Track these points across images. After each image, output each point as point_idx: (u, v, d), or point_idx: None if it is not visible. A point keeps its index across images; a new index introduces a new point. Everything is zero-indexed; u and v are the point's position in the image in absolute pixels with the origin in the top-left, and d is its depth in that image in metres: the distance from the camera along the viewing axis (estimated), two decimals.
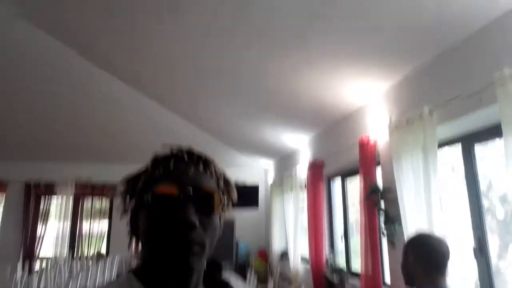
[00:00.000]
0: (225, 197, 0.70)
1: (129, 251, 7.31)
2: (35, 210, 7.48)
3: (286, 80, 3.81)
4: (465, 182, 2.66)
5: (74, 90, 5.33)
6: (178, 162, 0.65)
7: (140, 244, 0.63)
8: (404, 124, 2.89)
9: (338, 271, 3.13)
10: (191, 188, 0.61)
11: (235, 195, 0.73)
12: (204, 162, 0.67)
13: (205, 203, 0.62)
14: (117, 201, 0.66)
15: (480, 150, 2.64)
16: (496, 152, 2.60)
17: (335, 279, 3.03)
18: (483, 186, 2.59)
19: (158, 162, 0.66)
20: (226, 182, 0.72)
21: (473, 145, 2.64)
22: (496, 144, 2.52)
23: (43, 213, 7.51)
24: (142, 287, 0.60)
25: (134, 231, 0.65)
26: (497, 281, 2.45)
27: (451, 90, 2.54)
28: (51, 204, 7.60)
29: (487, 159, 2.65)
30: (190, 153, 0.68)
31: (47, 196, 7.57)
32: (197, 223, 0.59)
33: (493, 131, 2.41)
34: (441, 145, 2.68)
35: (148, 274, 0.60)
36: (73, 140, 6.80)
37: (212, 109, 5.53)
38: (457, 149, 2.78)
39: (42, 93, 5.34)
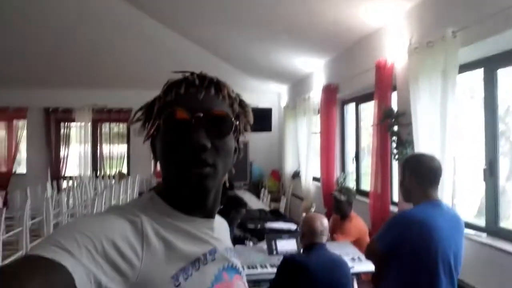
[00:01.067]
0: (241, 119, 0.71)
1: (150, 172, 7.73)
2: (56, 135, 7.81)
3: (299, 1, 3.58)
4: (483, 106, 2.62)
5: (91, 18, 5.22)
6: (189, 87, 0.65)
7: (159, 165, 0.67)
8: (425, 47, 2.76)
9: (346, 189, 3.27)
10: (201, 112, 0.62)
11: (251, 117, 0.75)
12: (216, 86, 0.67)
13: (216, 126, 0.63)
14: (134, 126, 0.68)
15: (502, 73, 2.54)
16: None
17: (342, 197, 3.18)
18: (501, 111, 2.55)
19: (170, 88, 0.67)
20: (242, 105, 0.72)
21: (496, 69, 2.55)
22: None
23: (64, 137, 7.85)
24: (164, 203, 0.64)
25: (154, 153, 0.69)
26: (502, 201, 2.56)
27: (478, 9, 2.37)
28: (71, 129, 7.89)
29: (507, 84, 2.56)
30: (202, 77, 0.67)
31: (66, 122, 7.83)
32: (208, 145, 0.61)
33: None
34: (461, 70, 2.57)
35: (168, 193, 0.65)
36: (89, 67, 6.78)
37: (223, 34, 5.35)
38: (478, 74, 2.67)
39: (59, 22, 5.26)
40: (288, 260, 2.10)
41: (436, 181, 1.75)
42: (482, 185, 2.62)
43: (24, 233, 3.80)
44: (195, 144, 0.60)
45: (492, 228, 2.53)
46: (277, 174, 7.97)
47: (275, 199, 6.84)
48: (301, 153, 6.16)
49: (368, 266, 2.49)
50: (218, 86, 0.67)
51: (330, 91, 4.97)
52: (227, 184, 0.72)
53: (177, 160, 0.61)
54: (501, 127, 2.58)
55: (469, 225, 2.64)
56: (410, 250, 1.67)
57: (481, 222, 2.66)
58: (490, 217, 2.57)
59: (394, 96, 3.50)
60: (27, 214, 3.97)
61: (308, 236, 2.17)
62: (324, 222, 2.19)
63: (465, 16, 2.48)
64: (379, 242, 1.77)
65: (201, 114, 0.62)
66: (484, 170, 2.59)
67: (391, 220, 1.80)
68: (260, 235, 3.22)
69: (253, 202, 5.19)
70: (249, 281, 2.53)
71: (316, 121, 5.59)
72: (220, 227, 0.74)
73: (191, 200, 0.65)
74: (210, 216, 0.69)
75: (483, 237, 2.51)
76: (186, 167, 0.61)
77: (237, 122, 0.69)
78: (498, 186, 2.54)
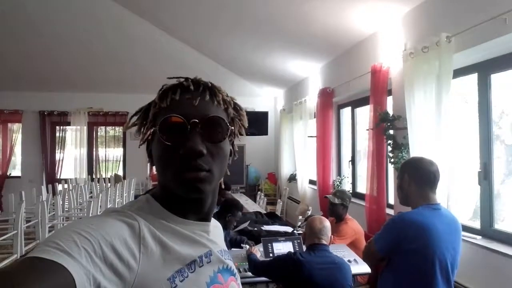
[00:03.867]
0: (235, 123, 0.72)
1: (146, 175, 7.70)
2: (52, 138, 7.77)
3: (294, 6, 3.61)
4: (477, 110, 2.64)
5: (85, 21, 5.24)
6: (184, 93, 0.65)
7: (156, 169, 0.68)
8: (420, 52, 2.79)
9: (340, 192, 3.27)
10: (196, 117, 0.62)
11: (245, 121, 0.75)
12: (211, 91, 0.67)
13: (212, 132, 0.63)
14: (129, 130, 0.68)
15: (495, 78, 2.57)
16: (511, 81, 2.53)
17: (336, 200, 3.18)
18: (495, 115, 2.58)
19: (165, 93, 0.67)
20: (236, 108, 0.73)
21: (490, 74, 2.57)
22: None
23: (60, 140, 7.80)
24: (160, 206, 0.65)
25: (150, 158, 0.69)
26: (497, 204, 2.57)
27: (473, 15, 2.40)
28: (66, 132, 7.85)
29: (501, 88, 2.59)
30: (197, 83, 0.67)
31: (61, 126, 7.79)
32: (204, 151, 0.61)
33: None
34: (455, 75, 2.60)
35: (165, 196, 0.66)
36: (85, 71, 6.79)
37: (219, 38, 5.39)
38: (472, 79, 2.70)
39: (53, 24, 5.26)
40: (292, 256, 2.11)
41: (435, 184, 1.77)
42: (477, 188, 2.64)
43: (19, 236, 3.78)
44: (191, 150, 0.60)
45: (487, 230, 2.55)
46: (273, 177, 7.98)
47: (272, 202, 6.83)
48: (297, 157, 6.17)
49: (364, 268, 2.50)
50: (213, 91, 0.68)
51: (326, 95, 4.99)
52: (223, 186, 0.73)
53: (173, 165, 0.62)
54: (495, 130, 2.61)
55: (464, 228, 2.65)
56: (407, 252, 1.68)
57: (476, 225, 2.67)
58: (484, 220, 2.59)
59: (389, 100, 3.52)
60: (22, 217, 3.94)
61: (309, 236, 2.20)
62: (323, 221, 2.23)
63: (459, 21, 2.51)
64: (377, 244, 1.79)
65: (197, 120, 0.62)
66: (479, 173, 2.61)
67: (389, 222, 1.81)
68: (256, 238, 3.21)
69: (249, 205, 5.19)
70: (244, 284, 2.51)
71: (312, 125, 5.61)
72: (214, 229, 0.74)
73: (187, 204, 0.66)
74: (206, 219, 0.70)
75: (478, 239, 2.53)
76: (182, 173, 0.61)
77: (232, 127, 0.69)
78: (492, 189, 2.55)
